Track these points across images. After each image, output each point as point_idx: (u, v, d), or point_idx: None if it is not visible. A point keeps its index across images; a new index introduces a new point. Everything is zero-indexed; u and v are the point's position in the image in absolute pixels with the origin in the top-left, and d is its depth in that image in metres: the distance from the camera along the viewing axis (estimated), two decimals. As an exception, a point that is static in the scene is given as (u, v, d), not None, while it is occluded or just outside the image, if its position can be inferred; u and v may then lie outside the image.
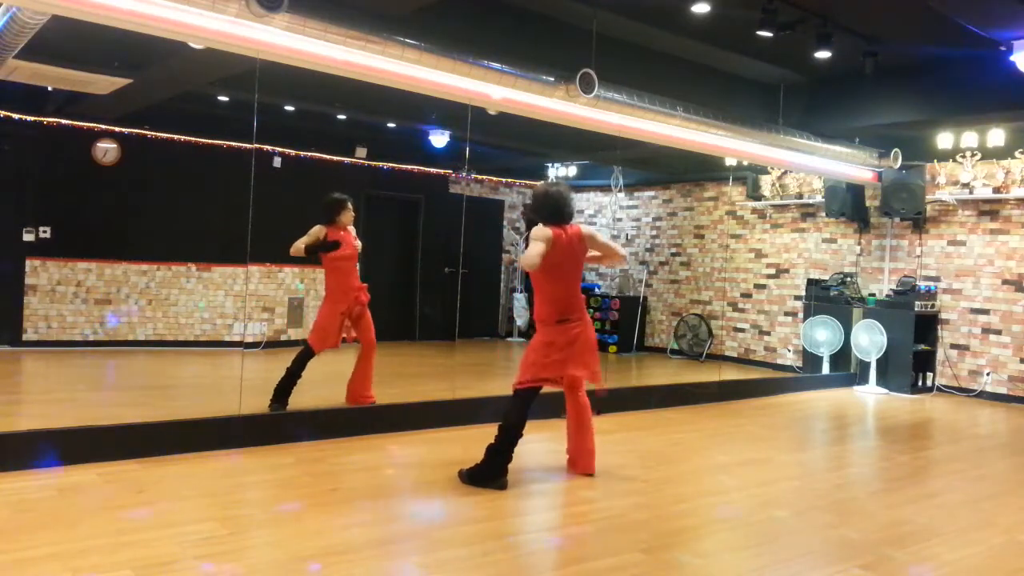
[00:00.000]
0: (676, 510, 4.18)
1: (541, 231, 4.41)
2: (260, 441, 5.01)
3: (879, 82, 7.51)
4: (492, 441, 4.38)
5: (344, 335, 6.01)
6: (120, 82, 7.28)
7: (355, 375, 6.07)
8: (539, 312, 4.60)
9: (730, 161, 9.59)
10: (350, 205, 6.10)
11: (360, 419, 5.61)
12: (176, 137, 9.42)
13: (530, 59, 5.78)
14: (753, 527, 3.97)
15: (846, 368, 9.39)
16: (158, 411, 5.71)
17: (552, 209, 4.51)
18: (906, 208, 8.85)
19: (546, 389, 4.68)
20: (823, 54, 6.46)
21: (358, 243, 6.16)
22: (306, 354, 5.84)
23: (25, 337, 8.79)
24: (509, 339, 12.19)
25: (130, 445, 4.59)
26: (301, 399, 5.94)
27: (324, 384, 6.29)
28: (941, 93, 7.48)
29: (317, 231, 5.91)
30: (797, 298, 10.13)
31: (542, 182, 4.78)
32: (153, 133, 9.31)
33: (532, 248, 4.35)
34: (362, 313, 6.07)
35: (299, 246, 5.86)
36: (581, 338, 4.55)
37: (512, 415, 4.40)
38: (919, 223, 9.08)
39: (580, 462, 4.68)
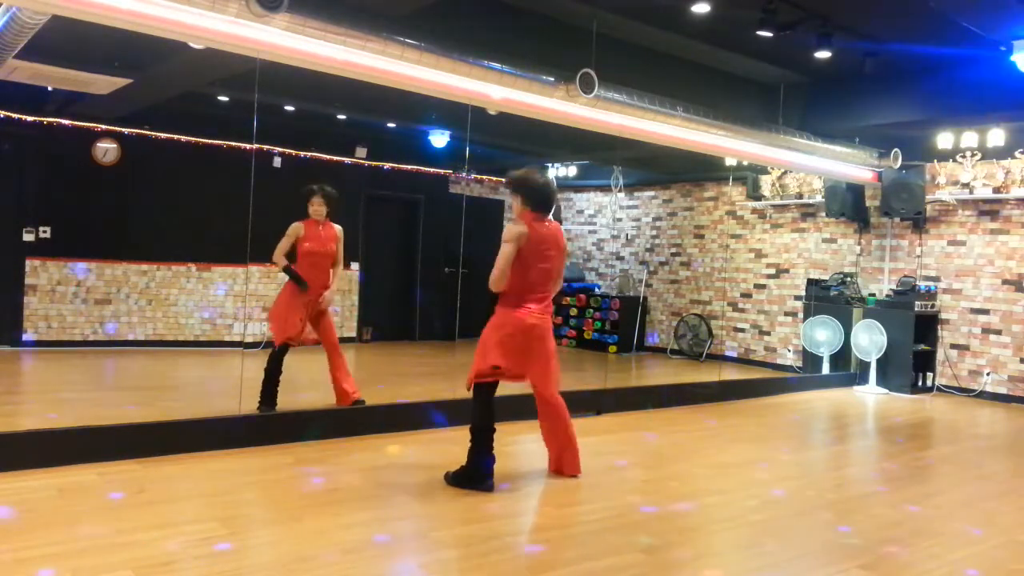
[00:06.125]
0: (676, 510, 4.18)
1: (513, 229, 4.33)
2: (260, 441, 5.01)
3: (879, 82, 7.51)
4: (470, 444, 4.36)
5: (306, 336, 5.88)
6: (120, 82, 7.29)
7: (333, 379, 5.99)
8: (504, 296, 4.43)
9: (730, 161, 9.58)
10: (316, 198, 5.89)
11: (360, 419, 5.61)
12: (176, 137, 9.43)
13: (530, 59, 5.78)
14: (753, 527, 3.97)
15: (846, 368, 9.39)
16: (158, 411, 5.71)
17: (541, 196, 4.43)
18: (906, 208, 8.85)
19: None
20: (823, 54, 6.46)
21: (334, 246, 5.94)
22: (276, 351, 5.77)
23: (25, 337, 8.79)
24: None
25: (130, 445, 4.59)
26: (300, 399, 5.94)
27: (323, 385, 6.28)
28: (941, 93, 7.48)
29: (291, 228, 5.86)
30: (797, 298, 10.13)
31: (526, 168, 4.62)
32: (153, 133, 9.31)
33: (499, 262, 4.30)
34: (322, 314, 5.96)
35: (278, 259, 5.86)
36: (536, 331, 4.38)
37: (476, 415, 4.34)
38: (919, 223, 9.09)
39: (566, 464, 4.61)
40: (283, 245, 5.87)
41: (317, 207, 5.92)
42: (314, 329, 5.97)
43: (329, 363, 6.00)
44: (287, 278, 5.93)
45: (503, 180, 12.47)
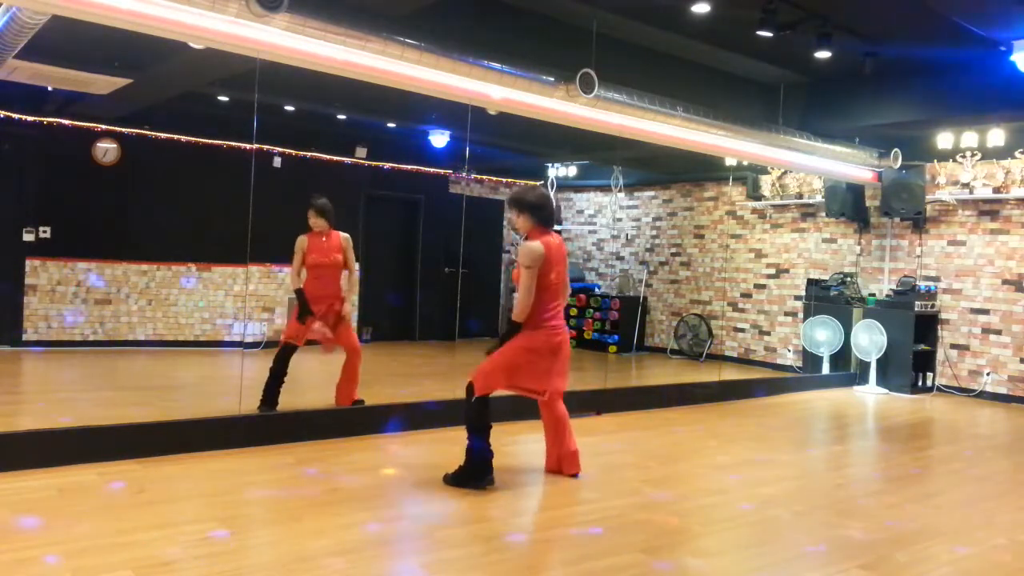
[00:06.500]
0: (676, 510, 4.18)
1: (531, 251, 4.36)
2: (260, 441, 5.01)
3: (879, 82, 7.51)
4: (467, 443, 4.37)
5: (318, 337, 5.92)
6: (120, 82, 7.29)
7: (340, 380, 6.04)
8: (527, 315, 4.44)
9: (730, 161, 9.58)
10: (309, 212, 5.92)
11: (359, 419, 5.61)
12: (176, 137, 9.43)
13: (530, 59, 5.78)
14: (753, 527, 3.97)
15: (846, 368, 9.39)
16: (158, 411, 5.72)
17: (547, 211, 4.52)
18: (906, 208, 8.85)
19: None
20: (823, 54, 6.46)
21: (338, 256, 5.95)
22: (281, 351, 5.81)
23: (25, 337, 8.79)
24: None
25: (130, 445, 4.59)
26: (300, 400, 5.94)
27: (322, 385, 6.29)
28: (941, 93, 7.48)
29: (297, 244, 5.90)
30: (797, 298, 10.13)
31: (527, 184, 4.73)
32: (153, 133, 9.31)
33: (525, 291, 4.34)
34: (338, 322, 5.97)
35: (294, 281, 5.93)
36: (564, 348, 4.51)
37: (475, 414, 4.35)
38: (919, 223, 9.09)
39: (566, 463, 4.64)
40: (295, 265, 5.92)
41: (313, 221, 5.96)
42: (334, 335, 5.99)
43: (344, 364, 6.04)
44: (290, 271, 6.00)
45: (502, 181, 12.53)
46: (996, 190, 8.47)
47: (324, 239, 5.96)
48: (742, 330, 10.80)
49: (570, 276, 4.76)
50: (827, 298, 9.44)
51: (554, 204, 4.61)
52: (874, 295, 9.31)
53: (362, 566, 3.20)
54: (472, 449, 4.34)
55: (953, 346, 8.89)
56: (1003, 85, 6.77)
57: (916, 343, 8.80)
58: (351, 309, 6.14)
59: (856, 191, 9.38)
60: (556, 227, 8.98)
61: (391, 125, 9.75)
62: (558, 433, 4.65)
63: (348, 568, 3.16)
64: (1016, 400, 8.37)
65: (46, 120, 8.76)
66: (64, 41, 6.08)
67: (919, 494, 4.78)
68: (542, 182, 11.39)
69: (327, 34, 4.73)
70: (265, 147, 9.78)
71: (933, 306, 8.92)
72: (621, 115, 6.43)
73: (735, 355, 10.81)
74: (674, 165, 10.45)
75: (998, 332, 8.56)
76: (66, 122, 8.86)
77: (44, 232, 8.91)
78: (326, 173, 10.17)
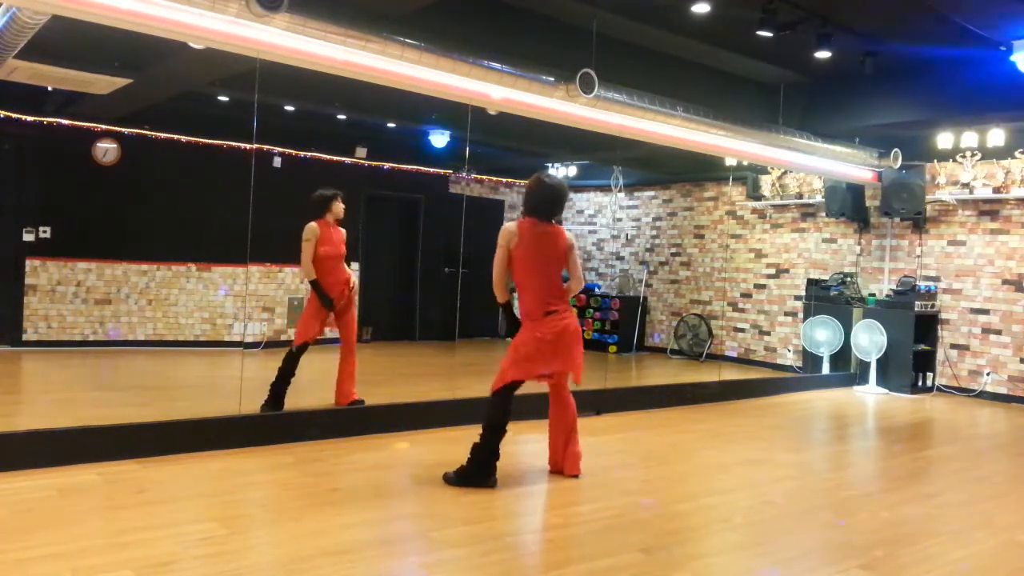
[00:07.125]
0: (676, 510, 4.18)
1: (502, 233, 4.46)
2: (260, 441, 5.01)
3: (879, 82, 7.51)
4: (477, 440, 4.37)
5: (327, 327, 6.00)
6: (120, 82, 7.28)
7: (339, 377, 6.07)
8: (523, 306, 4.53)
9: (730, 161, 9.58)
10: (340, 200, 6.06)
11: (360, 419, 5.61)
12: (176, 137, 9.42)
13: (530, 59, 5.78)
14: (753, 527, 3.97)
15: (846, 368, 9.39)
16: (158, 411, 5.71)
17: (537, 200, 4.50)
18: (906, 208, 8.85)
19: (539, 388, 4.69)
20: (823, 54, 6.46)
21: (344, 248, 6.08)
22: (293, 351, 5.83)
23: (25, 337, 8.79)
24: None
25: (130, 445, 4.59)
26: (300, 399, 5.93)
27: (323, 384, 6.29)
28: (941, 93, 7.48)
29: (310, 231, 5.89)
30: (797, 298, 10.13)
31: (541, 172, 4.72)
32: (153, 133, 9.31)
33: (494, 270, 4.51)
34: (347, 307, 6.04)
35: (309, 270, 5.88)
36: (568, 331, 4.51)
37: (497, 412, 4.37)
38: (919, 223, 9.09)
39: (567, 464, 4.64)
40: (310, 252, 5.86)
41: (339, 207, 6.04)
42: (337, 321, 6.02)
43: (340, 361, 6.07)
44: (297, 282, 5.97)
45: (502, 181, 12.52)
46: (996, 190, 8.47)
47: (332, 230, 6.02)
48: (742, 330, 10.80)
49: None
50: (827, 298, 9.44)
51: (546, 193, 4.52)
52: (874, 295, 9.31)
53: (362, 566, 3.20)
54: (479, 447, 4.34)
55: (953, 346, 8.89)
56: (1003, 85, 6.78)
57: (916, 343, 8.80)
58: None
59: (856, 191, 9.38)
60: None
61: (391, 125, 9.75)
62: (565, 431, 4.64)
63: (348, 568, 3.16)
64: (1016, 400, 8.37)
65: (46, 120, 8.75)
66: (64, 41, 6.08)
67: (919, 494, 4.78)
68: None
69: (327, 34, 4.73)
70: (265, 147, 9.78)
71: (933, 306, 8.92)
72: (621, 115, 6.43)
73: (735, 355, 10.81)
74: (674, 165, 10.45)
75: (998, 332, 8.56)
76: (66, 122, 8.86)
77: (44, 232, 8.90)
78: (326, 173, 10.16)
